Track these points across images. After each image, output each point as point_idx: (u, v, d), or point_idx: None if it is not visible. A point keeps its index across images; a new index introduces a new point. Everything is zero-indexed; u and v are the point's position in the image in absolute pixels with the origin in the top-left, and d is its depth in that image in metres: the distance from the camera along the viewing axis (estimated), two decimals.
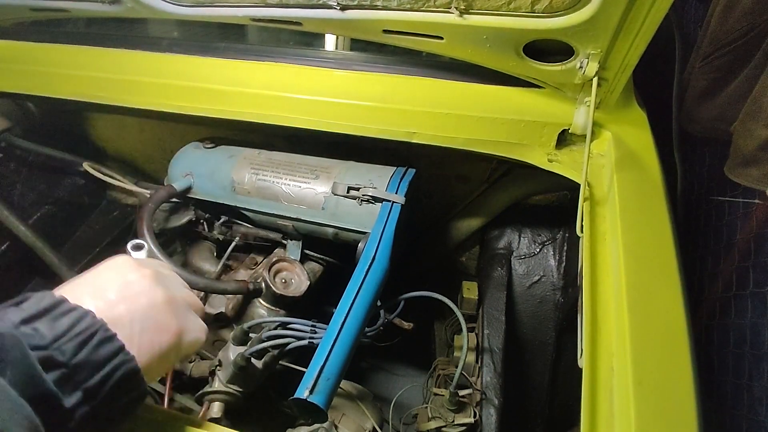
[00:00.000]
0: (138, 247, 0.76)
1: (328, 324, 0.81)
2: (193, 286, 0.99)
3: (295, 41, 1.61)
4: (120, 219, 1.57)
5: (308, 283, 1.08)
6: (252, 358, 0.94)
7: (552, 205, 1.37)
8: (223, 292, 1.04)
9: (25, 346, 0.41)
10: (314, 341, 0.91)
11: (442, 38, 0.98)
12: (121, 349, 0.47)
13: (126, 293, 0.52)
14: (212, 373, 0.99)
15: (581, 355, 0.73)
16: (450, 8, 0.89)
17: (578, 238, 0.88)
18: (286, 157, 1.13)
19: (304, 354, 0.88)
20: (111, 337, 0.46)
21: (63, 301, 0.46)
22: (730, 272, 1.36)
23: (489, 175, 1.36)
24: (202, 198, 1.15)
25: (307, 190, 1.06)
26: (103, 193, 1.64)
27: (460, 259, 1.53)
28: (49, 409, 0.41)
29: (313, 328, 0.93)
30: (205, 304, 1.14)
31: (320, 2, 0.98)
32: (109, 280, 0.53)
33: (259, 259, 1.21)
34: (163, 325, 0.54)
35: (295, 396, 0.69)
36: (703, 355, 1.44)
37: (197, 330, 0.60)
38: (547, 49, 0.94)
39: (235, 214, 1.17)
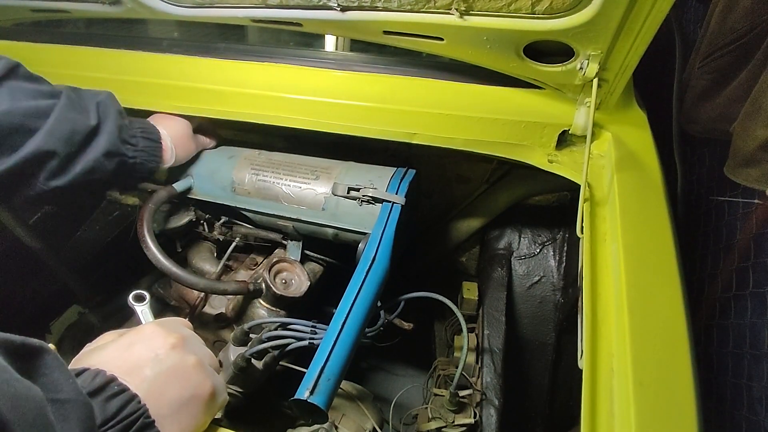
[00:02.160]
0: (140, 298, 0.77)
1: (328, 324, 0.81)
2: (193, 287, 0.99)
3: (295, 42, 1.61)
4: (120, 219, 1.57)
5: (308, 283, 1.08)
6: (252, 359, 0.94)
7: (552, 206, 1.37)
8: (224, 293, 1.04)
9: (94, 418, 0.46)
10: (314, 342, 0.91)
11: (442, 39, 0.98)
12: None
13: (160, 368, 0.57)
14: None
15: (581, 355, 0.73)
16: (450, 9, 0.89)
17: (578, 238, 0.88)
18: (287, 158, 1.13)
19: (305, 354, 0.88)
20: (150, 424, 0.52)
21: (112, 380, 0.51)
22: (729, 272, 1.36)
23: (489, 176, 1.36)
24: (203, 198, 1.15)
25: (307, 190, 1.06)
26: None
27: (460, 260, 1.53)
28: None
29: (313, 329, 0.93)
30: (205, 305, 1.14)
31: (320, 3, 0.98)
32: (142, 356, 0.57)
33: (260, 259, 1.21)
34: (197, 391, 0.59)
35: (295, 397, 0.69)
36: (702, 355, 1.44)
37: (224, 389, 0.66)
38: (548, 50, 0.94)
39: (236, 214, 1.17)
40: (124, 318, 1.29)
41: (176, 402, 0.56)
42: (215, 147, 1.20)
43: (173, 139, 1.05)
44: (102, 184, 0.96)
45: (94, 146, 0.90)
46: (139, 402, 0.51)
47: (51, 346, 0.63)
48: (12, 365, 0.40)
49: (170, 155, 1.04)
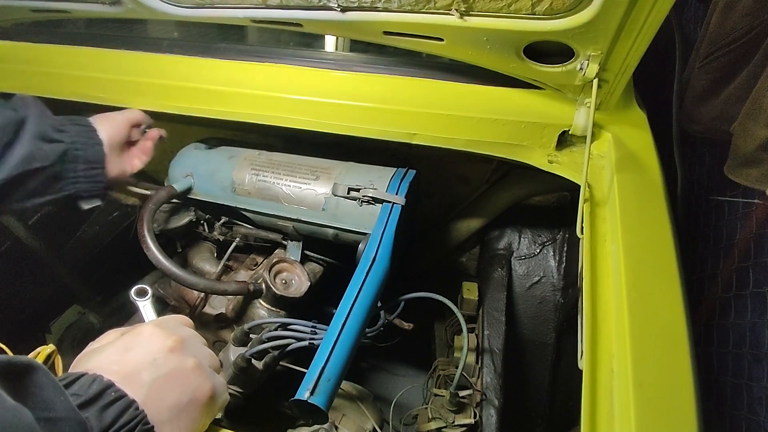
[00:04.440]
0: (142, 293, 0.76)
1: (328, 325, 0.81)
2: (193, 287, 0.99)
3: (295, 42, 1.61)
4: (120, 219, 1.57)
5: (309, 283, 1.08)
6: (252, 359, 0.94)
7: (552, 206, 1.37)
8: (224, 293, 1.04)
9: None
10: (315, 342, 0.91)
11: (442, 40, 0.98)
12: None
13: (158, 373, 0.56)
14: None
15: (581, 356, 0.73)
16: (450, 10, 0.89)
17: (578, 238, 0.88)
18: (287, 158, 1.13)
19: (305, 355, 0.88)
20: (149, 430, 0.51)
21: (110, 386, 0.50)
22: (729, 272, 1.36)
23: (489, 176, 1.36)
24: (203, 199, 1.15)
25: (307, 191, 1.06)
26: None
27: (460, 260, 1.53)
28: None
29: (313, 329, 0.93)
30: (205, 305, 1.14)
31: (320, 3, 0.98)
32: (140, 361, 0.56)
33: (260, 259, 1.21)
34: (196, 394, 0.58)
35: (295, 397, 0.69)
36: (702, 356, 1.44)
37: (224, 390, 0.65)
38: (548, 51, 0.94)
39: (236, 214, 1.17)
40: (126, 315, 1.29)
41: (175, 406, 0.55)
42: (163, 139, 1.13)
43: (98, 119, 1.01)
44: (53, 176, 0.93)
45: (25, 132, 0.89)
46: (138, 408, 0.50)
47: (50, 347, 0.63)
48: (2, 387, 0.40)
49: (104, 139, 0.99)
